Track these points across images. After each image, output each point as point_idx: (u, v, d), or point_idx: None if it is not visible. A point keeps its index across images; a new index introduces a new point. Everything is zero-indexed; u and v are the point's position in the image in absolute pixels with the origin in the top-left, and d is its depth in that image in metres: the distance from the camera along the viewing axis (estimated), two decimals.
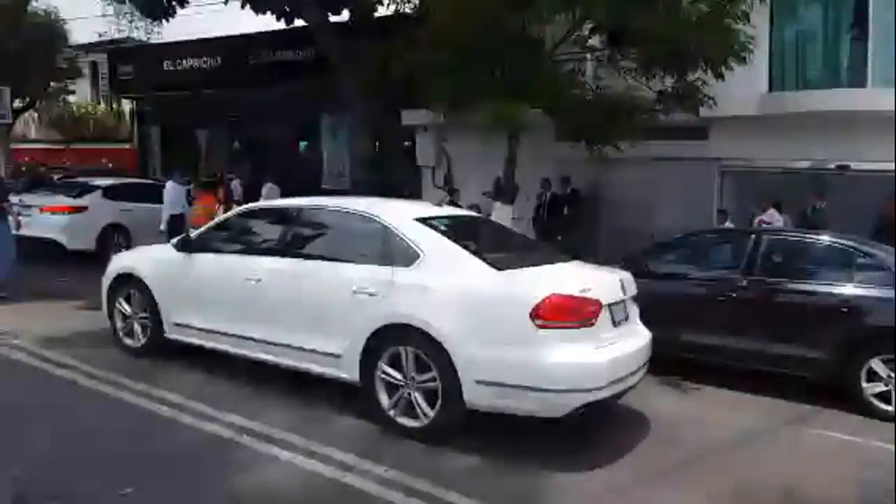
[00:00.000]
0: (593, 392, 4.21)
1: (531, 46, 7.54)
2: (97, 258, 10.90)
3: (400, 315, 4.54)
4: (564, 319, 4.16)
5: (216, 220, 6.01)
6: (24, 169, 17.19)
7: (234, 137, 18.46)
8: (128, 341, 6.31)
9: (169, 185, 10.79)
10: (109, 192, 11.81)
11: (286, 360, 5.20)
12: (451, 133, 11.34)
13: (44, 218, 10.95)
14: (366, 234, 5.01)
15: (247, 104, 16.74)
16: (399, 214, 5.05)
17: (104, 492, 3.67)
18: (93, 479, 3.83)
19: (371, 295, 4.66)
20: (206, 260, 5.78)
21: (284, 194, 16.18)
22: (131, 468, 3.98)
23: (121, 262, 6.51)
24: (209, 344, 5.72)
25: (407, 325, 4.50)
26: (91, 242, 11.27)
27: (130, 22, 16.22)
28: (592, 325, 4.25)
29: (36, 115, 21.16)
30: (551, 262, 4.99)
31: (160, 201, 12.02)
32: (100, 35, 18.56)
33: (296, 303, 5.12)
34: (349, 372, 4.81)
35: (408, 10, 8.74)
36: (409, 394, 4.52)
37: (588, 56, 8.07)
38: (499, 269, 4.46)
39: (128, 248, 11.48)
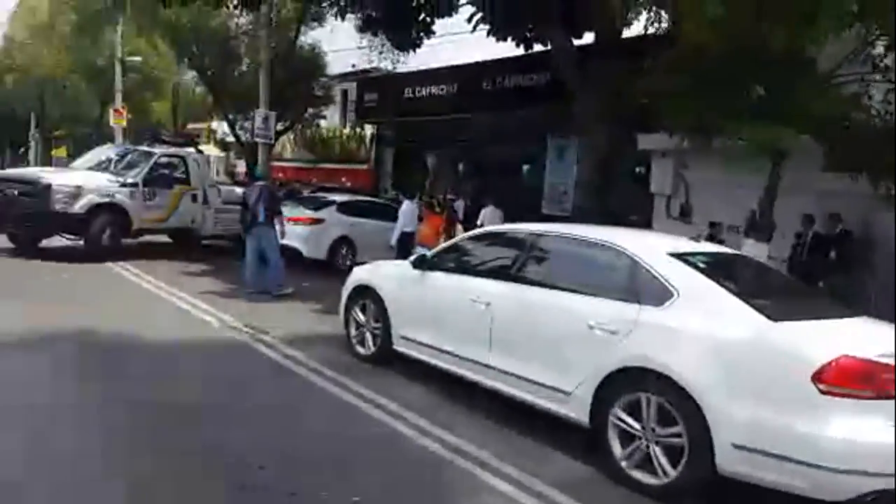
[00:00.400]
0: (886, 479, 3.39)
1: (802, 65, 6.64)
2: (327, 267, 12.01)
3: (644, 358, 4.10)
4: (857, 387, 3.42)
5: (453, 240, 6.01)
6: (279, 184, 19.41)
7: (461, 160, 19.11)
8: (359, 349, 6.59)
9: (406, 204, 11.34)
10: (342, 207, 12.80)
11: (508, 388, 5.01)
12: (692, 159, 10.49)
13: (288, 228, 11.65)
14: (609, 267, 4.65)
15: (476, 128, 17.31)
16: (650, 247, 4.62)
17: (334, 496, 3.72)
18: (323, 480, 3.91)
19: (611, 332, 4.27)
20: (438, 279, 5.83)
21: (503, 218, 16.46)
22: (357, 474, 4.06)
23: (359, 274, 6.83)
24: (432, 361, 5.76)
25: (651, 370, 4.04)
26: (323, 252, 12.23)
27: (380, 53, 17.50)
28: (892, 397, 3.44)
29: (292, 136, 23.76)
30: (837, 316, 4.21)
31: (384, 218, 12.81)
32: (352, 66, 20.38)
33: (524, 331, 4.91)
34: (577, 412, 4.45)
35: (656, 30, 8.19)
36: (648, 446, 4.03)
37: (878, 77, 6.90)
38: (773, 318, 3.82)
39: (353, 260, 12.20)
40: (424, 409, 5.20)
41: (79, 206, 10.59)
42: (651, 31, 8.08)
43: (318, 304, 9.22)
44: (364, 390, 5.61)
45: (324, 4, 16.04)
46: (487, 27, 11.82)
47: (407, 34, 13.18)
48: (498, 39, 12.49)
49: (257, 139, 18.01)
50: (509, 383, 4.96)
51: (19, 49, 32.08)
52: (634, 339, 4.18)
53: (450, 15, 12.92)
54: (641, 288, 4.32)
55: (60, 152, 42.78)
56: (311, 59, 19.73)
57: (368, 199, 14.69)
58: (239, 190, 13.86)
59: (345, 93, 22.55)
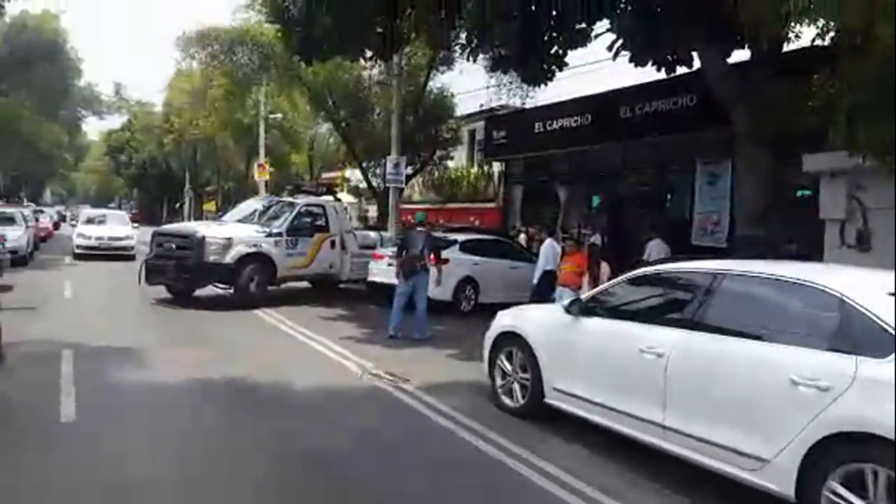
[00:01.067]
0: None
1: None
2: (451, 309, 11.71)
3: (867, 421, 3.36)
4: None
5: (612, 281, 5.47)
6: (407, 226, 19.67)
7: (595, 192, 18.42)
8: (506, 400, 6.15)
9: (547, 242, 10.90)
10: (465, 247, 12.44)
11: (686, 452, 4.37)
12: (869, 179, 9.23)
13: None
14: (813, 310, 3.95)
15: (612, 158, 16.66)
16: (865, 286, 3.87)
17: None
18: None
19: (821, 389, 3.56)
20: (597, 325, 5.31)
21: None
22: None
23: (504, 320, 6.42)
24: (593, 417, 5.21)
25: (878, 436, 3.29)
26: (448, 293, 11.78)
27: (509, 91, 17.46)
28: None
29: (420, 179, 24.12)
30: None
31: (509, 257, 12.39)
32: (480, 106, 20.50)
33: (707, 386, 4.26)
34: (778, 482, 3.75)
35: (823, 42, 7.29)
36: None
37: None
38: None
39: (475, 301, 12.03)
40: (586, 473, 4.69)
41: (230, 257, 11.12)
42: (818, 43, 7.18)
43: (456, 349, 8.96)
44: (515, 447, 5.18)
45: (454, 47, 16.19)
46: (628, 53, 11.33)
47: (538, 69, 12.90)
48: (637, 65, 11.92)
49: (389, 184, 18.42)
50: (688, 446, 4.33)
51: (177, 114, 35.37)
52: (852, 398, 3.46)
53: (584, 45, 12.51)
54: (858, 335, 3.59)
55: (210, 206, 46.66)
56: (440, 102, 19.99)
57: (492, 237, 14.24)
58: (373, 234, 14.10)
59: (472, 133, 22.65)
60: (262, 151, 28.58)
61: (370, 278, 12.59)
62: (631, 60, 11.52)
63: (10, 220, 17.65)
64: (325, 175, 37.83)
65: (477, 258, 12.32)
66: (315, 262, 12.49)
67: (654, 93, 14.37)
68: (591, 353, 5.28)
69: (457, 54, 19.02)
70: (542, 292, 10.77)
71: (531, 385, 5.83)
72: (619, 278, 5.50)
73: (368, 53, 13.46)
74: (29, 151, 39.47)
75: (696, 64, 11.61)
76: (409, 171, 19.42)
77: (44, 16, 30.51)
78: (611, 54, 11.06)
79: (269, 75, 19.17)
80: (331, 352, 8.46)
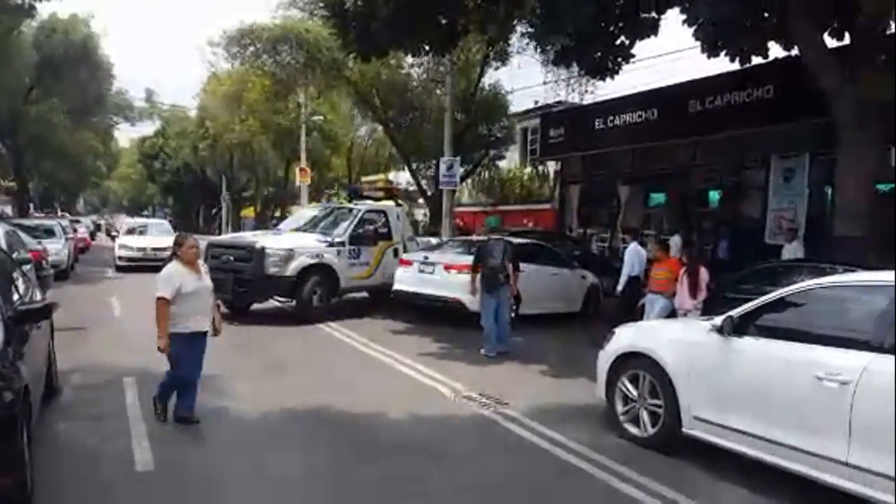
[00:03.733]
0: None
1: None
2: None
3: None
4: None
5: (772, 295, 4.70)
6: (460, 230, 19.01)
7: (661, 191, 17.61)
8: (631, 429, 5.44)
9: (632, 246, 10.16)
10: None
11: (877, 494, 3.73)
12: None
13: (449, 277, 10.40)
14: None
15: (678, 155, 15.83)
16: None
17: None
18: None
19: None
20: (755, 347, 4.59)
21: (726, 252, 14.66)
22: None
23: (627, 338, 5.70)
24: (749, 451, 4.54)
25: None
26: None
27: (568, 86, 16.73)
28: None
29: (469, 180, 23.46)
30: None
31: (555, 263, 11.54)
32: (535, 103, 19.75)
33: None
34: None
35: None
36: None
37: None
38: None
39: (517, 312, 10.55)
40: None
41: (291, 269, 10.51)
42: None
43: (544, 364, 8.30)
44: (657, 485, 4.54)
45: (511, 41, 15.52)
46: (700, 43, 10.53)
47: (603, 61, 12.15)
48: (710, 56, 11.14)
49: (442, 186, 17.77)
50: (880, 487, 3.68)
51: (212, 118, 35.11)
52: None
53: (654, 35, 11.72)
54: None
55: (248, 212, 46.63)
56: (493, 100, 19.29)
57: (537, 242, 12.88)
58: (434, 241, 13.45)
59: (524, 131, 21.89)
60: (303, 155, 28.14)
61: (396, 286, 11.20)
62: (704, 51, 10.84)
63: (50, 233, 17.01)
64: (364, 179, 37.47)
65: (524, 265, 10.54)
66: (378, 271, 11.85)
67: (728, 85, 13.58)
68: (750, 379, 4.54)
69: (513, 49, 18.45)
70: (628, 301, 10.06)
71: (665, 413, 5.12)
72: (780, 292, 4.72)
73: (427, 48, 12.88)
74: (63, 160, 39.54)
75: (773, 54, 10.89)
76: (462, 171, 18.73)
77: (73, 20, 30.25)
78: (668, 47, 10.25)
79: (314, 74, 18.59)
80: (413, 371, 7.82)
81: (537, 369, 8.12)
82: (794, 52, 10.92)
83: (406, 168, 23.36)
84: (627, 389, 5.48)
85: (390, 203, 13.56)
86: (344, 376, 7.53)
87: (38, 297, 6.07)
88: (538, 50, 13.29)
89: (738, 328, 4.69)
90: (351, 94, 20.94)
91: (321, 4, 17.78)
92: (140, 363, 7.57)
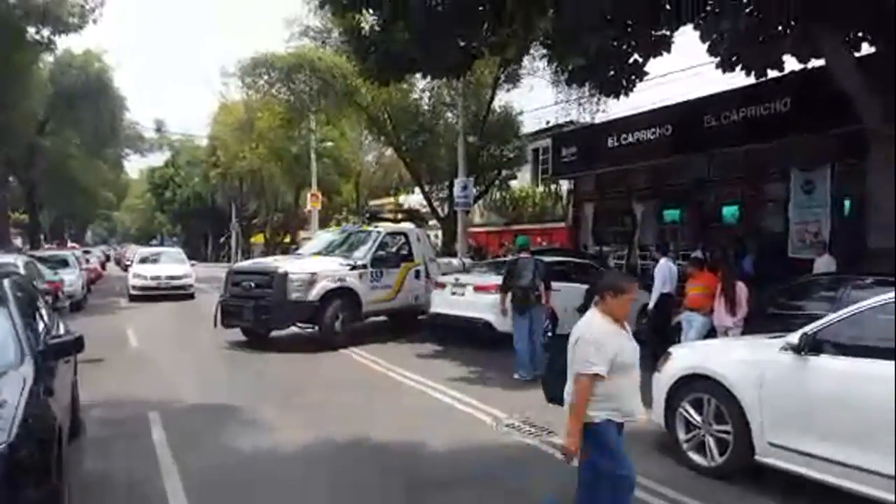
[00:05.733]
0: None
1: None
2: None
3: None
4: None
5: (851, 308, 4.40)
6: (471, 253, 18.71)
7: (676, 207, 17.38)
8: (696, 457, 5.10)
9: (662, 262, 9.82)
10: None
11: None
12: None
13: (476, 297, 10.27)
14: None
15: (695, 170, 15.60)
16: None
17: None
18: None
19: None
20: (838, 366, 4.28)
21: (751, 268, 14.36)
22: None
23: (686, 359, 5.38)
24: (835, 480, 4.19)
25: None
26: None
27: (579, 105, 16.59)
28: None
29: (480, 201, 23.27)
30: None
31: (586, 281, 11.16)
32: (546, 123, 19.63)
33: None
34: None
35: None
36: None
37: None
38: None
39: (553, 332, 10.34)
40: None
41: (314, 294, 10.25)
42: None
43: None
44: None
45: (522, 64, 15.44)
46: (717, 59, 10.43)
47: (617, 79, 12.02)
48: (725, 71, 11.04)
49: (457, 207, 17.61)
50: None
51: (222, 147, 35.19)
52: None
53: (668, 51, 11.62)
54: None
55: (258, 238, 46.49)
56: (505, 121, 19.17)
57: (566, 259, 12.72)
58: (455, 261, 13.20)
59: (535, 151, 21.74)
60: (314, 181, 28.04)
61: (432, 309, 11.21)
62: (719, 67, 10.71)
63: (64, 264, 16.94)
64: (371, 203, 37.36)
65: (555, 284, 10.32)
66: (400, 294, 11.59)
67: (744, 99, 13.41)
68: (835, 401, 4.22)
69: (524, 70, 18.37)
70: (660, 318, 9.74)
71: (734, 439, 4.79)
72: (857, 307, 4.42)
73: (444, 71, 12.78)
74: (76, 192, 39.76)
75: (789, 66, 10.75)
76: (475, 192, 18.55)
77: (87, 55, 30.76)
78: (675, 63, 10.11)
79: (328, 100, 18.51)
80: (447, 397, 7.50)
81: None
82: (811, 64, 10.80)
83: (419, 190, 23.19)
84: (690, 415, 5.15)
85: (409, 224, 13.31)
86: (378, 404, 7.22)
87: (62, 329, 5.79)
88: (556, 69, 13.14)
89: (818, 346, 4.39)
90: (363, 119, 20.87)
91: (339, 30, 17.95)
92: (163, 396, 7.37)
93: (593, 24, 10.20)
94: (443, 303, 10.97)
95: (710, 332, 8.63)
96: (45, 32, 20.69)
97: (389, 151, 36.76)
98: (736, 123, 13.80)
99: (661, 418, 5.43)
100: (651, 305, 9.64)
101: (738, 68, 11.06)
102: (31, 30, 20.68)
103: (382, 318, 12.54)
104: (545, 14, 11.48)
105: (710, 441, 5.00)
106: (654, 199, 17.62)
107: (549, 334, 9.65)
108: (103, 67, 30.90)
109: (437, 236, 22.21)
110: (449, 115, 19.65)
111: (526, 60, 16.80)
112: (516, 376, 8.34)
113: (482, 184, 19.62)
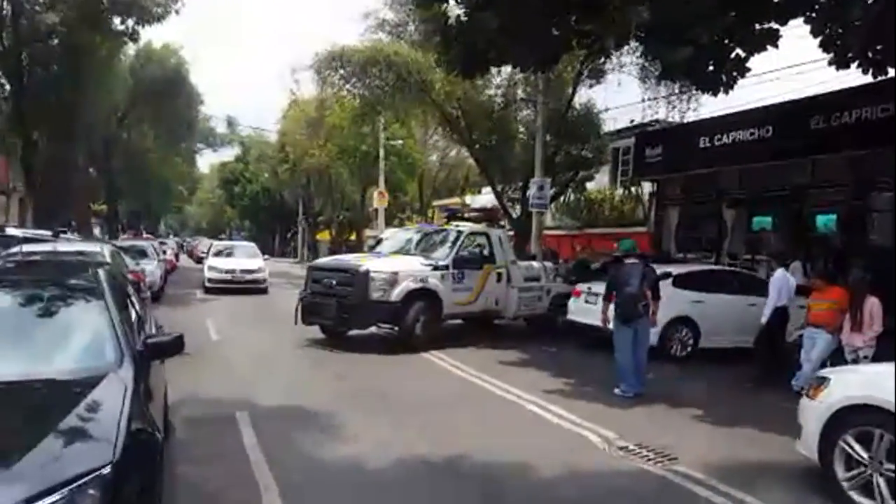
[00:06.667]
0: None
1: None
2: (657, 354, 9.73)
3: None
4: None
5: None
6: (554, 254, 17.98)
7: (769, 214, 16.30)
8: (860, 498, 4.40)
9: (779, 272, 8.97)
10: (681, 281, 10.43)
11: None
12: None
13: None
14: None
15: (795, 175, 14.52)
16: None
17: None
18: None
19: None
20: None
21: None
22: None
23: (850, 388, 4.65)
24: None
25: None
26: (654, 336, 9.98)
27: (668, 103, 15.68)
28: None
29: (552, 202, 22.51)
30: None
31: (741, 291, 10.41)
32: (631, 121, 18.75)
33: None
34: None
35: None
36: None
37: None
38: None
39: (694, 345, 10.19)
40: None
41: (395, 294, 9.84)
42: None
43: (701, 408, 7.20)
44: None
45: (610, 60, 14.67)
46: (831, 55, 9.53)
47: (717, 75, 11.17)
48: (839, 68, 10.10)
49: (533, 208, 16.96)
50: None
51: (292, 144, 35.48)
52: None
53: (775, 46, 10.74)
54: None
55: (324, 235, 46.82)
56: (585, 119, 18.38)
57: (719, 268, 12.25)
58: (536, 265, 12.58)
59: (616, 151, 20.83)
60: (381, 178, 27.85)
61: (569, 316, 11.10)
62: (832, 63, 9.80)
63: (143, 254, 17.04)
64: (435, 202, 37.04)
65: (697, 294, 10.34)
66: (481, 297, 11.04)
67: (859, 99, 12.32)
68: None
69: (611, 65, 17.57)
70: (776, 330, 8.90)
71: None
72: None
73: (534, 63, 12.18)
74: (152, 184, 40.98)
75: None
76: (551, 193, 17.86)
77: (165, 50, 31.48)
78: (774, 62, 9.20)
79: (403, 96, 18.12)
80: (546, 412, 6.91)
81: (695, 414, 7.06)
82: None
83: (486, 190, 22.56)
84: (854, 450, 4.43)
85: (493, 226, 12.79)
86: (471, 417, 6.69)
87: (153, 325, 5.50)
88: (647, 64, 12.32)
89: None
90: (435, 116, 20.44)
91: (416, 23, 17.55)
92: (250, 395, 7.07)
93: (701, 15, 9.48)
94: (577, 310, 10.88)
95: (838, 353, 7.79)
96: (130, 22, 20.99)
97: (454, 151, 36.65)
98: (847, 127, 12.72)
99: (814, 452, 4.73)
100: (764, 320, 8.80)
101: (854, 65, 10.18)
102: (117, 20, 21.05)
103: (458, 321, 12.06)
104: (643, 2, 10.80)
105: (880, 481, 4.28)
106: (745, 204, 16.58)
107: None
108: (181, 61, 31.56)
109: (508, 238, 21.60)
110: (525, 112, 18.98)
111: (614, 54, 15.99)
112: (618, 391, 7.69)
113: (557, 184, 18.86)
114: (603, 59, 16.38)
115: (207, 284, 19.20)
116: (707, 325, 10.09)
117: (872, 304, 7.46)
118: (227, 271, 19.31)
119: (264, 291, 19.25)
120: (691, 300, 10.22)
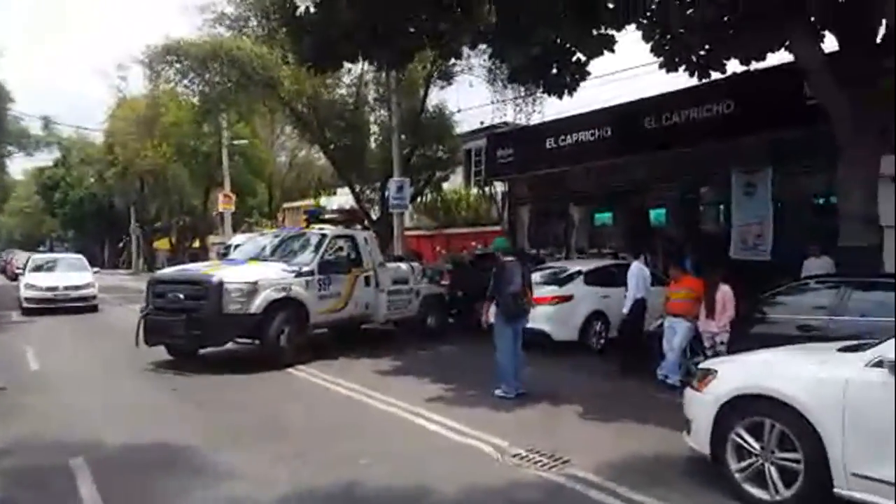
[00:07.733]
0: None
1: None
2: (576, 348, 10.50)
3: None
4: None
5: None
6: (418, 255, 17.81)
7: (611, 210, 17.21)
8: (753, 490, 4.45)
9: (635, 265, 9.32)
10: (591, 278, 11.01)
11: None
12: None
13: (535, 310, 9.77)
14: None
15: (634, 172, 15.40)
16: None
17: None
18: None
19: None
20: None
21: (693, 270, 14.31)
22: None
23: (739, 377, 4.71)
24: None
25: None
26: (574, 332, 10.56)
27: (516, 106, 16.07)
28: None
29: (411, 203, 22.37)
30: None
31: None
32: (481, 123, 19.00)
33: None
34: None
35: None
36: None
37: None
38: None
39: (606, 337, 10.64)
40: None
41: (255, 306, 9.01)
42: None
43: (583, 405, 7.18)
44: None
45: (459, 62, 14.70)
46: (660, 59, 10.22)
47: (561, 78, 11.56)
48: (668, 71, 10.92)
49: (393, 209, 16.66)
50: None
51: (121, 144, 32.42)
52: None
53: (611, 51, 11.28)
54: None
55: (162, 244, 43.34)
56: (438, 120, 18.37)
57: (617, 263, 12.47)
58: (405, 266, 12.22)
59: (468, 153, 21.06)
60: (226, 180, 26.13)
61: (530, 325, 9.71)
62: (661, 67, 10.48)
63: None
64: (285, 205, 35.64)
65: (606, 290, 10.80)
66: (350, 303, 10.49)
67: (685, 101, 13.37)
68: None
69: (458, 67, 17.64)
70: (635, 324, 9.23)
71: (805, 469, 4.17)
72: None
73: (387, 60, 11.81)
74: None
75: (730, 69, 10.68)
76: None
77: None
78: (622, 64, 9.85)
79: (247, 94, 17.03)
80: (432, 423, 6.54)
81: (576, 411, 7.04)
82: (753, 66, 10.78)
83: (341, 192, 21.91)
84: (745, 441, 4.49)
85: (358, 227, 12.26)
86: (355, 437, 6.14)
87: None
88: (495, 67, 12.43)
89: None
90: (285, 115, 19.49)
91: (259, 18, 16.54)
92: (86, 436, 6.00)
93: (543, 19, 9.68)
94: (543, 319, 10.39)
95: (694, 339, 8.20)
96: None
97: (304, 152, 35.43)
98: (676, 125, 13.72)
99: (706, 446, 4.76)
100: (626, 310, 9.11)
101: (681, 69, 10.93)
102: None
103: (324, 330, 11.39)
104: (487, 4, 10.84)
105: (772, 471, 4.36)
106: (591, 201, 17.40)
107: None
108: None
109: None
110: (380, 112, 18.65)
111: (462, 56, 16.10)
112: (499, 392, 7.53)
113: (414, 185, 18.72)
114: (452, 62, 16.43)
115: (25, 305, 16.82)
116: (614, 318, 10.41)
117: (724, 292, 7.90)
118: (48, 288, 17.02)
119: (94, 309, 17.21)
120: (601, 295, 10.69)
